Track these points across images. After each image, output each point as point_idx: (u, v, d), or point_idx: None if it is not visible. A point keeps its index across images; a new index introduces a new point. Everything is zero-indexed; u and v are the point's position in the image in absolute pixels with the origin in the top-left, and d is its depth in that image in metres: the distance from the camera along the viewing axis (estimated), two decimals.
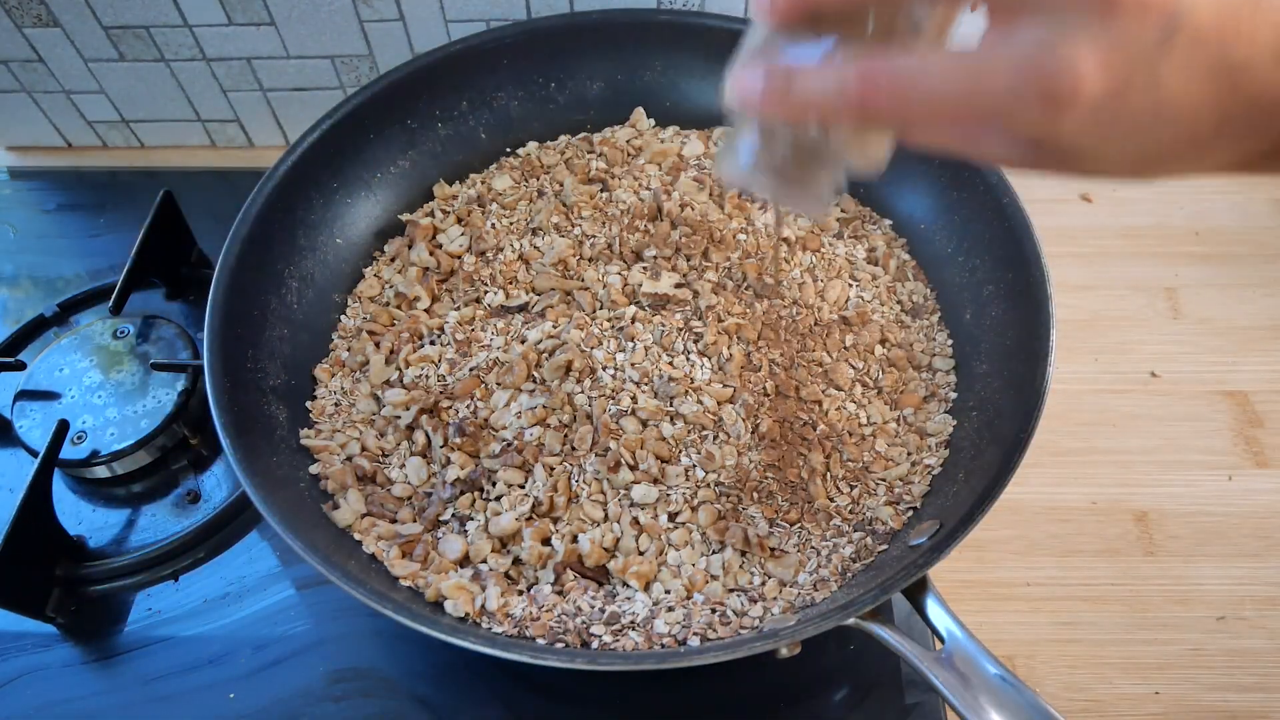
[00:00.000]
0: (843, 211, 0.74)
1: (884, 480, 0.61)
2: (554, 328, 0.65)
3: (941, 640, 0.49)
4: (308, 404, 0.65)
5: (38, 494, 0.63)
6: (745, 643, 0.49)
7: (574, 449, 0.60)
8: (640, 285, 0.67)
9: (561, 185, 0.75)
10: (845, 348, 0.66)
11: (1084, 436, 0.71)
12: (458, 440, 0.61)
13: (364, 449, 0.63)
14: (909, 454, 0.62)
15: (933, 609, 0.50)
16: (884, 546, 0.57)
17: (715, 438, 0.60)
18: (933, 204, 0.71)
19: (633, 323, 0.65)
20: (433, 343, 0.67)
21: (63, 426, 0.67)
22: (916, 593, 0.51)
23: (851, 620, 0.49)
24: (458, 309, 0.69)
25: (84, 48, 0.84)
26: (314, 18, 0.81)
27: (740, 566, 0.57)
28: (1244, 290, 0.80)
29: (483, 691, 0.59)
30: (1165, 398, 0.73)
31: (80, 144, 0.94)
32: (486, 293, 0.69)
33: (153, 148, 0.94)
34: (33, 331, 0.77)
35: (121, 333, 0.74)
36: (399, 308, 0.70)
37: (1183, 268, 0.82)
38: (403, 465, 0.62)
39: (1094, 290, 0.80)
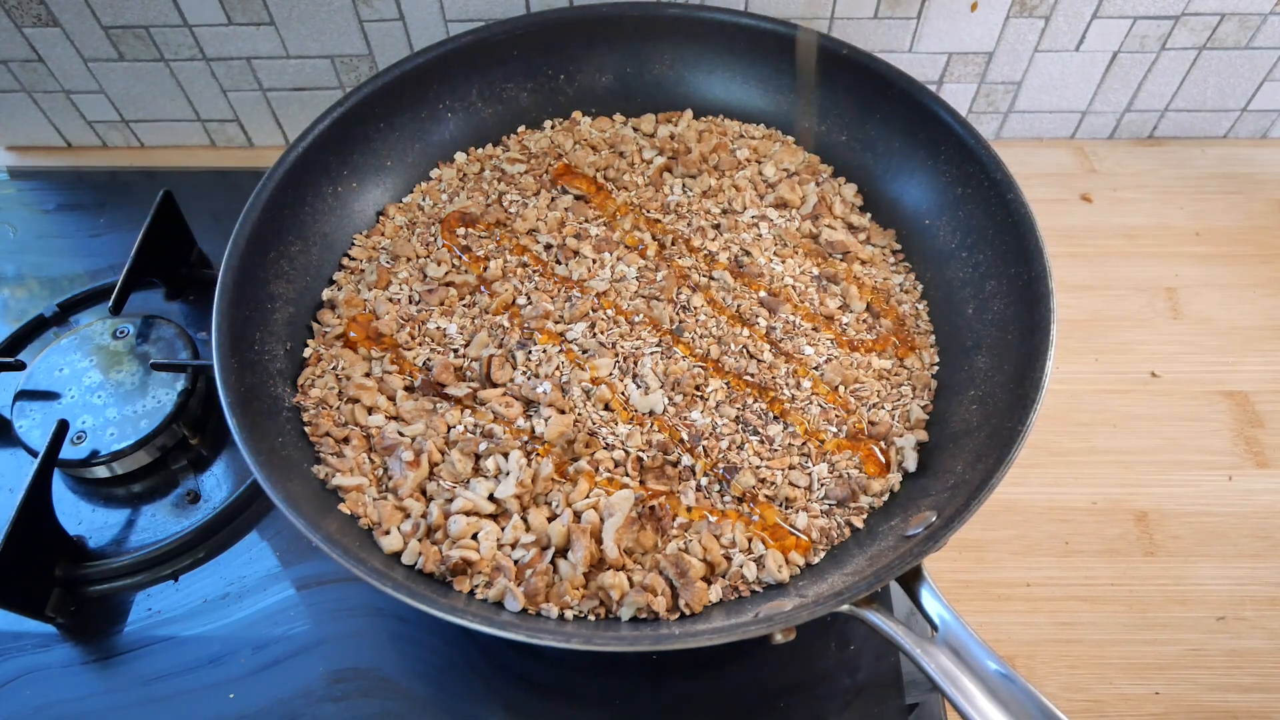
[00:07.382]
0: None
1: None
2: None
3: (936, 629, 0.50)
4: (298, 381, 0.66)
5: (38, 494, 0.63)
6: (740, 626, 0.49)
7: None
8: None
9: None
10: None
11: (1084, 436, 0.71)
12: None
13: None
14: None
15: (927, 598, 0.51)
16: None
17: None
18: (938, 199, 0.71)
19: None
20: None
21: (62, 426, 0.67)
22: (911, 581, 0.52)
23: (845, 607, 0.49)
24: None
25: (84, 48, 0.84)
26: (314, 18, 0.81)
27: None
28: (1244, 290, 0.80)
29: (483, 691, 0.59)
30: (1165, 398, 0.74)
31: (80, 144, 0.94)
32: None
33: (152, 148, 0.94)
34: (33, 331, 0.78)
35: (121, 333, 0.74)
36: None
37: (1183, 268, 0.82)
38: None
39: (1094, 290, 0.80)
